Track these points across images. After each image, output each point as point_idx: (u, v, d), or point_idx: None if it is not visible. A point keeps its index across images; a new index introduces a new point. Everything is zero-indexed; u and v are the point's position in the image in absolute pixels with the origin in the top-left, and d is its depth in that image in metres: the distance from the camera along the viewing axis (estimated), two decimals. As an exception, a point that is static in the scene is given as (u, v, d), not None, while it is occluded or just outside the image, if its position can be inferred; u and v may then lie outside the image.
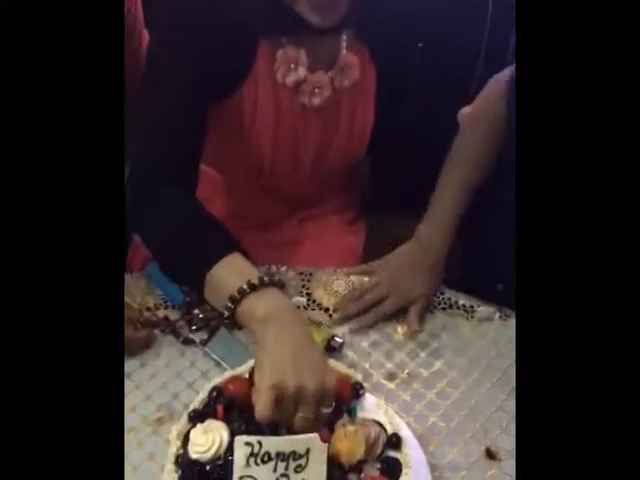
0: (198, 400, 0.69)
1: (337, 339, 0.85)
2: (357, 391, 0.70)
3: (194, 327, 0.87)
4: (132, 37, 1.00)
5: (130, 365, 0.83)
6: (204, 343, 0.85)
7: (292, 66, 0.89)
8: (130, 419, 0.77)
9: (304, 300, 0.93)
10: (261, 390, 0.63)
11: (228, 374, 0.72)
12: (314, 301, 0.93)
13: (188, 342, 0.86)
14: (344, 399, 0.68)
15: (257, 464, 0.59)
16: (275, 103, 0.92)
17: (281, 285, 0.73)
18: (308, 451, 0.60)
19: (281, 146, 0.96)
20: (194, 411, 0.68)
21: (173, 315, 0.89)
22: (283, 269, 0.97)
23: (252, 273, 0.73)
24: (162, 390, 0.81)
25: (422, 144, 1.04)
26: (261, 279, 0.71)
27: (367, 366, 0.84)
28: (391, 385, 0.82)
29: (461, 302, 0.93)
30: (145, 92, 0.87)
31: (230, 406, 0.67)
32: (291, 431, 0.64)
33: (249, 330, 0.71)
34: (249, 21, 0.86)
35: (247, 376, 0.70)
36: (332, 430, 0.65)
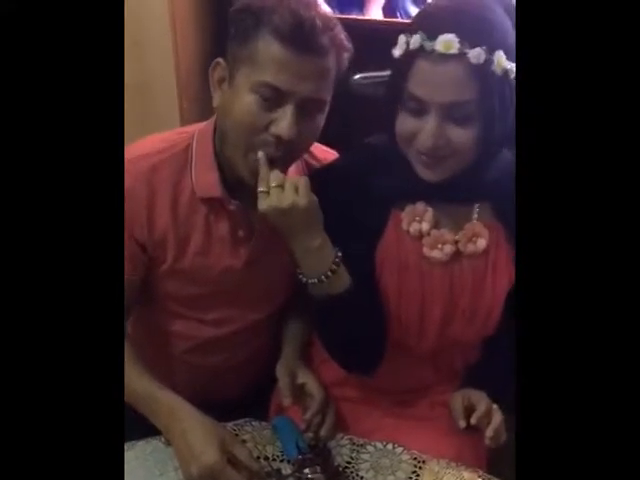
0: None
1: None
2: None
3: (302, 483, 0.91)
4: None
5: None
6: (306, 502, 0.89)
7: (417, 219, 0.98)
8: None
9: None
10: None
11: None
12: (421, 489, 0.93)
13: (292, 498, 0.90)
14: None
15: None
16: (402, 251, 0.99)
17: None
18: None
19: (408, 292, 1.00)
20: None
21: (286, 470, 0.94)
22: (399, 449, 0.99)
23: None
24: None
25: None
26: None
27: None
28: None
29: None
30: None
31: None
32: None
33: None
34: (385, 186, 0.99)
35: None
36: None
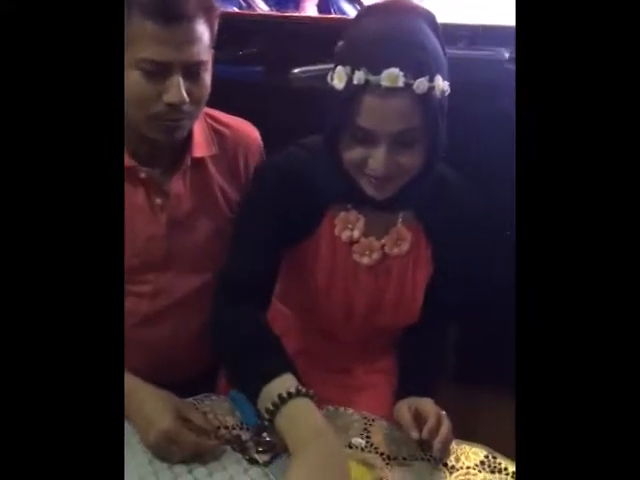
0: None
1: (386, 482, 0.92)
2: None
3: (260, 449, 0.97)
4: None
5: (199, 472, 0.94)
6: (266, 465, 0.95)
7: (349, 226, 1.07)
8: (188, 519, 0.87)
9: (363, 442, 1.01)
10: None
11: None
12: (372, 444, 1.01)
13: (253, 461, 0.96)
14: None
15: None
16: (331, 256, 1.08)
17: (313, 397, 0.86)
18: None
19: (334, 295, 1.10)
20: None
21: (245, 436, 1.00)
22: (349, 411, 1.06)
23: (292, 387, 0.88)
24: (222, 499, 0.91)
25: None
26: (297, 389, 0.87)
27: (409, 513, 0.89)
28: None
29: (511, 469, 0.97)
30: (235, 235, 1.11)
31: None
32: None
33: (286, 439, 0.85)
34: (321, 189, 1.05)
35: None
36: None
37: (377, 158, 0.95)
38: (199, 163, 1.14)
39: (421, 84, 0.90)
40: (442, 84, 0.94)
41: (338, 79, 0.95)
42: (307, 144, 1.09)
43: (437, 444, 0.94)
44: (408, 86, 0.90)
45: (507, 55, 1.46)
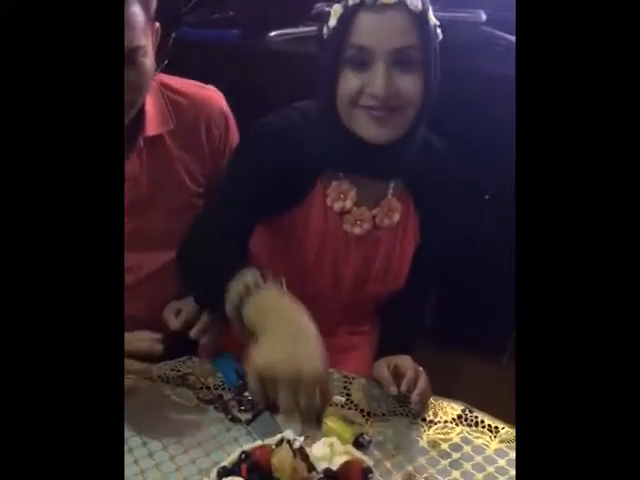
0: (228, 460, 0.80)
1: (365, 437, 0.94)
2: (366, 475, 0.78)
3: (242, 407, 0.99)
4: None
5: (182, 431, 0.95)
6: (248, 422, 0.97)
7: (342, 196, 1.06)
8: (173, 477, 0.89)
9: (343, 399, 1.03)
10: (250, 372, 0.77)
11: (258, 442, 0.83)
12: (352, 401, 1.03)
13: (235, 420, 0.98)
14: (354, 478, 0.77)
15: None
16: (322, 226, 1.07)
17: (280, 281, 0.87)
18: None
19: (323, 264, 1.10)
20: (223, 468, 0.79)
21: (227, 396, 1.02)
22: (330, 370, 1.08)
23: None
24: (205, 457, 0.92)
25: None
26: (263, 276, 0.87)
27: (389, 465, 0.91)
28: (407, 486, 0.89)
29: (487, 422, 1.00)
30: (219, 191, 1.09)
31: (253, 468, 0.77)
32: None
33: (255, 327, 0.83)
34: (315, 155, 1.03)
35: (273, 446, 0.80)
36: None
37: (375, 80, 0.93)
38: (155, 140, 1.11)
39: (416, 1, 0.93)
40: (433, 17, 0.97)
41: (333, 16, 0.95)
42: (301, 107, 1.07)
43: (415, 397, 0.97)
44: (402, 2, 0.92)
45: (484, 17, 1.46)
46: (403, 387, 0.98)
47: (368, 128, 0.97)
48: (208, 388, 1.04)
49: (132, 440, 0.93)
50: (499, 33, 1.47)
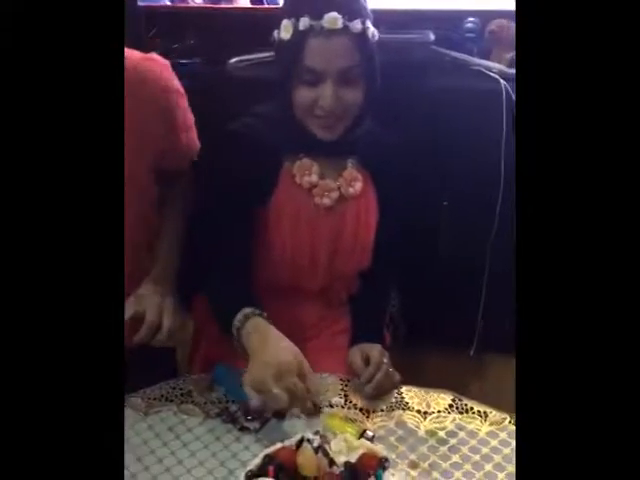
0: (253, 463, 0.85)
1: (368, 432, 1.01)
2: (383, 463, 0.85)
3: (249, 417, 1.04)
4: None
5: (194, 445, 1.00)
6: (257, 431, 1.02)
7: (307, 172, 1.18)
8: (193, 487, 0.93)
9: (342, 401, 1.09)
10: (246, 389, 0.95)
11: (279, 445, 0.88)
12: (350, 401, 1.09)
13: (244, 429, 1.02)
14: (372, 467, 0.84)
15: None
16: (295, 202, 1.19)
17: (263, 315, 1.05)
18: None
19: (301, 242, 1.20)
20: (250, 471, 0.84)
21: (233, 407, 1.06)
22: (325, 375, 1.14)
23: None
24: (221, 467, 0.96)
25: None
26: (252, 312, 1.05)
27: (394, 456, 0.98)
28: (413, 473, 0.96)
29: (477, 408, 1.08)
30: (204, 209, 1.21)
31: (281, 468, 0.83)
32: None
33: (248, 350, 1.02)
34: (276, 146, 1.17)
35: (294, 447, 0.86)
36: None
37: (325, 95, 1.08)
38: None
39: (357, 24, 1.06)
40: (372, 28, 1.09)
41: (285, 31, 1.08)
42: (256, 111, 1.21)
43: (368, 389, 1.10)
44: (346, 27, 1.05)
45: (432, 37, 1.57)
46: (362, 380, 1.11)
47: (319, 131, 1.14)
48: (212, 402, 1.08)
49: (147, 459, 0.97)
50: (446, 51, 1.59)
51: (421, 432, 1.04)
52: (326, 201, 1.20)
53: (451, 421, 1.06)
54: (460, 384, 1.24)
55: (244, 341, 1.04)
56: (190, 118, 1.24)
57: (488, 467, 0.97)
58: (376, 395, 1.10)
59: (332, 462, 0.84)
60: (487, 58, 1.62)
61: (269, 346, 1.01)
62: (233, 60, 1.60)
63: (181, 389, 1.11)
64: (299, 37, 1.06)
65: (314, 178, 1.18)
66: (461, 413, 1.08)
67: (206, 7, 1.69)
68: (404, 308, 1.53)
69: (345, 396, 1.11)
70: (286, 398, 0.93)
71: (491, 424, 1.05)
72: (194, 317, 1.40)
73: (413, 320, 1.55)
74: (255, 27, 1.56)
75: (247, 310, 1.06)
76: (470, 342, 1.81)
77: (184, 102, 1.22)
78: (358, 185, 1.22)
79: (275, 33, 1.12)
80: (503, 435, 1.03)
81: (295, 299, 1.28)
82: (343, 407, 1.08)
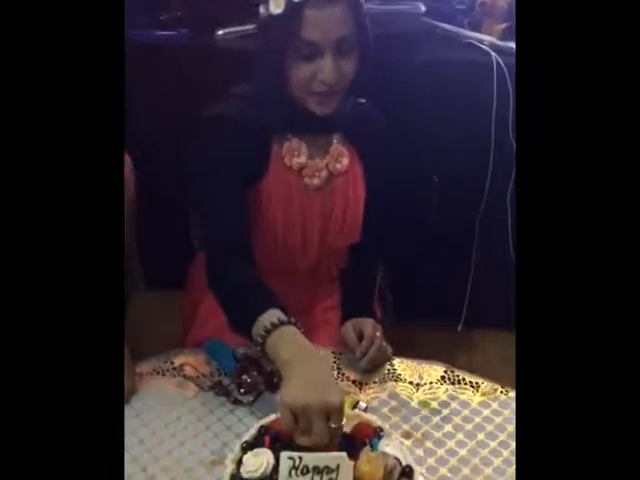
0: (249, 434, 0.85)
1: (362, 404, 1.01)
2: (378, 432, 0.86)
3: (242, 390, 1.04)
4: None
5: (188, 419, 1.00)
6: (250, 404, 1.02)
7: (296, 153, 1.16)
8: (188, 461, 0.93)
9: (335, 373, 1.10)
10: (283, 408, 0.83)
11: (273, 416, 0.88)
12: (343, 374, 1.10)
13: (237, 402, 1.03)
14: (367, 436, 0.84)
15: (297, 475, 0.74)
16: (286, 184, 1.17)
17: (297, 324, 0.95)
18: (338, 467, 0.75)
19: (292, 220, 1.19)
20: (246, 442, 0.84)
21: (226, 381, 1.06)
22: (319, 347, 1.14)
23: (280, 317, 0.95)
24: (215, 439, 0.97)
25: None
26: (280, 319, 0.94)
27: (387, 427, 0.98)
28: (407, 442, 0.97)
29: (468, 379, 1.09)
30: (201, 193, 1.15)
31: (276, 439, 0.83)
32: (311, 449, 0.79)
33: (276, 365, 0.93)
34: (264, 127, 1.13)
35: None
36: (357, 458, 0.80)
37: (326, 68, 1.05)
38: None
39: None
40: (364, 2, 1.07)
41: (275, 5, 1.04)
42: (239, 91, 1.17)
43: (362, 363, 1.10)
44: None
45: (423, 8, 1.55)
46: (357, 354, 1.11)
47: (316, 107, 1.11)
48: (205, 376, 1.08)
49: (141, 431, 0.97)
50: (437, 23, 1.57)
51: (414, 403, 1.05)
52: (316, 181, 1.19)
53: (443, 392, 1.07)
54: (449, 356, 1.25)
55: (270, 351, 0.94)
56: None
57: (480, 436, 0.98)
58: (370, 369, 1.10)
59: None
60: (478, 30, 1.60)
61: (313, 370, 0.89)
62: (221, 32, 1.57)
63: (172, 363, 1.11)
64: (294, 9, 1.02)
65: (303, 159, 1.17)
66: (453, 384, 1.08)
67: (193, -23, 1.65)
68: (392, 281, 1.53)
69: (338, 369, 1.11)
70: (327, 439, 0.82)
71: (483, 394, 1.06)
72: (188, 292, 1.40)
73: (402, 293, 1.54)
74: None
75: (273, 316, 0.95)
76: (459, 316, 1.82)
77: None
78: (345, 160, 1.21)
79: (262, 8, 1.08)
80: (495, 405, 1.04)
81: (287, 278, 1.26)
82: (336, 380, 1.09)
